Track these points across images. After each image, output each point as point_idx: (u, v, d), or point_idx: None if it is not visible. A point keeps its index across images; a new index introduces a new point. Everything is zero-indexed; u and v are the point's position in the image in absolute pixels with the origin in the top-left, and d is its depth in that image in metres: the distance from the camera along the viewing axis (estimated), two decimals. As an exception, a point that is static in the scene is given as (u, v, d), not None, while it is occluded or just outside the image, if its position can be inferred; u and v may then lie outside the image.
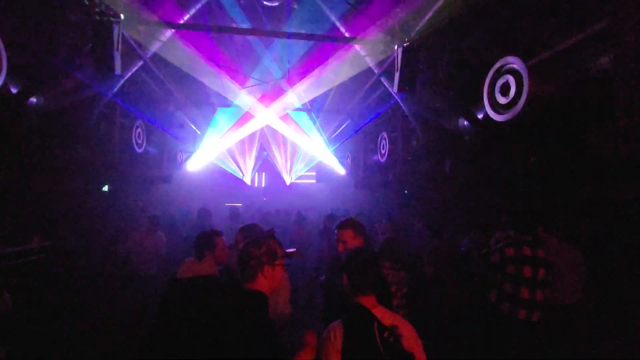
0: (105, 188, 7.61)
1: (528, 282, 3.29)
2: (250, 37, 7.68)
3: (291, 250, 2.12)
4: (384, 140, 9.06)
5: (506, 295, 3.33)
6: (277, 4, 6.35)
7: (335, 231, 2.88)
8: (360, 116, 9.90)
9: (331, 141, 11.87)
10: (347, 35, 6.47)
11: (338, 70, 7.98)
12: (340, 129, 11.31)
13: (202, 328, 1.80)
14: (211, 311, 1.87)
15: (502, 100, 4.44)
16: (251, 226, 3.40)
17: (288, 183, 15.49)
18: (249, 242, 2.00)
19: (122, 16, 5.16)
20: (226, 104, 9.62)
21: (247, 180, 15.07)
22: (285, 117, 10.58)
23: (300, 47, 7.85)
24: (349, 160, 11.84)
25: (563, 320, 3.81)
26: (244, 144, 13.76)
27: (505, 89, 4.39)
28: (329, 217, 6.83)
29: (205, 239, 3.20)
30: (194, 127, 11.00)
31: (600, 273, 3.85)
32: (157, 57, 6.86)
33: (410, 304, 3.54)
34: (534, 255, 3.35)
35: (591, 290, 3.80)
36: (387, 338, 1.84)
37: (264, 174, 16.31)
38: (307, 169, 14.68)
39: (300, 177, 15.56)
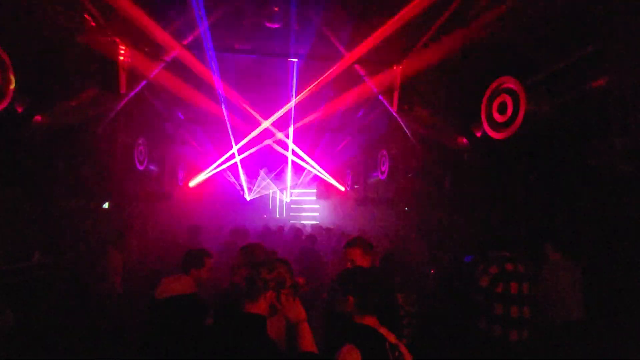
0: (106, 205, 7.63)
1: (515, 300, 3.22)
2: (255, 61, 7.85)
3: (299, 280, 2.10)
4: (384, 158, 9.14)
5: (497, 318, 3.24)
6: (278, 25, 6.50)
7: (344, 250, 2.89)
8: (360, 134, 10.02)
9: (331, 158, 11.96)
10: (347, 55, 6.61)
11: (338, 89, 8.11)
12: (341, 146, 11.42)
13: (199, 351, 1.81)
14: (210, 335, 1.88)
15: (499, 118, 4.53)
16: (253, 246, 3.38)
17: (288, 200, 15.52)
18: (262, 263, 2.00)
19: (128, 37, 5.30)
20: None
21: (247, 197, 15.12)
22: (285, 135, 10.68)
23: (300, 67, 7.99)
24: (349, 177, 11.90)
25: (566, 338, 3.79)
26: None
27: (502, 108, 4.48)
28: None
29: (195, 257, 3.20)
30: (196, 145, 11.10)
31: (602, 289, 3.85)
32: (160, 77, 6.99)
33: (418, 323, 3.53)
34: (516, 270, 3.30)
35: (593, 307, 3.79)
36: (398, 357, 1.86)
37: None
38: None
39: (299, 195, 15.60)
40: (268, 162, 13.61)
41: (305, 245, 6.68)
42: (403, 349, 1.92)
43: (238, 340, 1.80)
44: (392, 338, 1.95)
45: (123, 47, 5.36)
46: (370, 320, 1.98)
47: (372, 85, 7.24)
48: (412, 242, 7.48)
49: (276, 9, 6.08)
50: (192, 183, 11.53)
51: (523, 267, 3.35)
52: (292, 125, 10.00)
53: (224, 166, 11.58)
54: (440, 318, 4.28)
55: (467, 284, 3.67)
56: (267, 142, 10.98)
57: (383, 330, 1.97)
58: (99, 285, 4.69)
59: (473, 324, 3.41)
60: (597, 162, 3.69)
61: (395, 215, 8.94)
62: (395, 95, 6.03)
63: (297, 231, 8.20)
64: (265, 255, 3.01)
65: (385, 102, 7.21)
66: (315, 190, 15.30)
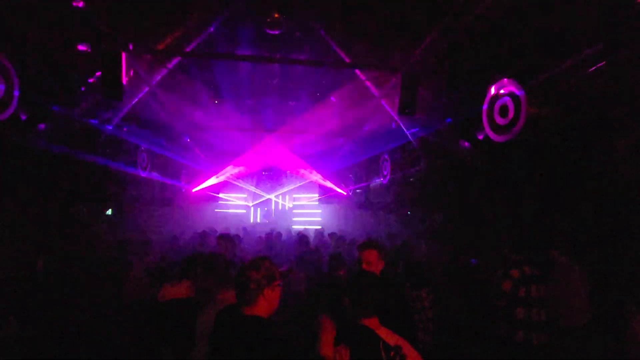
0: (109, 212, 7.66)
1: (535, 303, 3.25)
2: (256, 69, 7.91)
3: (285, 269, 2.14)
4: (385, 162, 9.13)
5: (519, 322, 3.25)
6: (279, 32, 6.54)
7: (359, 252, 2.91)
8: (362, 138, 10.02)
9: (333, 163, 11.97)
10: (348, 61, 6.63)
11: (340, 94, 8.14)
12: (342, 151, 11.43)
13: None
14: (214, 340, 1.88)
15: (501, 121, 4.52)
16: (215, 256, 3.32)
17: (290, 206, 15.52)
18: (246, 266, 1.99)
19: (129, 45, 5.34)
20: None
21: (249, 203, 15.14)
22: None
23: (299, 73, 8.03)
24: (351, 182, 11.90)
25: (572, 342, 3.75)
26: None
27: (503, 111, 4.48)
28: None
29: (190, 263, 3.28)
30: (198, 151, 11.14)
31: (608, 292, 3.82)
32: (162, 83, 7.04)
33: (436, 327, 3.52)
34: (533, 273, 3.34)
35: (598, 311, 3.76)
36: (393, 357, 1.85)
37: (259, 209, 16.10)
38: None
39: (301, 199, 15.59)
40: (271, 167, 13.65)
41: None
42: (407, 351, 1.91)
43: (241, 343, 1.81)
44: (391, 339, 1.95)
45: (126, 54, 5.40)
46: (367, 322, 2.01)
47: (373, 89, 7.27)
48: (417, 246, 7.46)
49: (276, 15, 6.12)
50: (195, 189, 11.56)
51: (538, 270, 3.38)
52: (294, 131, 10.04)
53: (225, 175, 11.62)
54: (456, 322, 4.26)
55: (483, 288, 3.66)
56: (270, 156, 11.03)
57: (382, 331, 1.99)
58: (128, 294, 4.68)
59: (492, 329, 3.40)
60: (600, 164, 3.68)
61: (397, 219, 8.93)
62: (397, 99, 6.03)
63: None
64: (225, 265, 2.97)
65: (386, 106, 7.23)
66: (317, 195, 15.30)
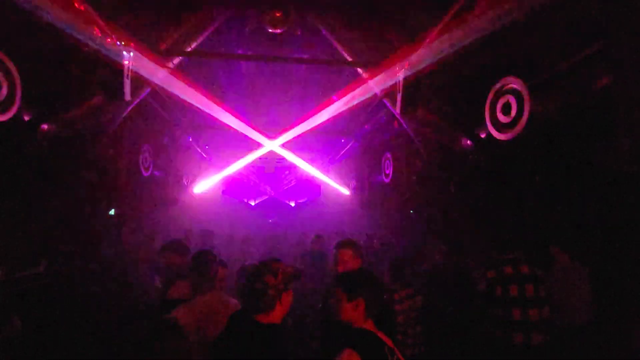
0: (112, 212, 7.67)
1: (517, 302, 3.20)
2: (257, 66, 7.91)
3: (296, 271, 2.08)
4: (388, 161, 9.11)
5: (498, 321, 3.23)
6: (280, 31, 6.53)
7: (334, 251, 2.89)
8: (364, 137, 10.01)
9: (335, 162, 11.95)
10: (349, 59, 6.62)
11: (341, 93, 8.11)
12: (344, 150, 11.41)
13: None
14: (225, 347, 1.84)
15: (503, 119, 4.50)
16: (205, 252, 3.24)
17: (293, 205, 15.53)
18: (261, 271, 1.88)
19: (132, 45, 5.34)
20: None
21: (252, 202, 15.16)
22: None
23: (303, 72, 8.02)
24: (353, 181, 11.88)
25: (573, 341, 3.74)
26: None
27: (506, 109, 4.45)
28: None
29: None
30: (200, 151, 11.15)
31: (609, 291, 3.80)
32: (165, 83, 7.03)
33: (427, 334, 3.51)
34: (517, 272, 3.27)
35: (600, 310, 3.74)
36: None
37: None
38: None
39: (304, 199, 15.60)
40: (272, 167, 13.64)
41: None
42: (398, 354, 1.91)
43: (256, 352, 1.76)
44: (388, 342, 1.94)
45: (128, 55, 5.41)
46: (369, 324, 1.98)
47: (375, 88, 7.24)
48: (419, 246, 7.45)
49: (278, 14, 6.10)
50: (197, 189, 11.56)
51: (528, 268, 3.32)
52: (295, 131, 10.01)
53: (227, 173, 11.61)
54: (446, 322, 4.25)
55: (467, 288, 3.66)
56: (270, 145, 10.98)
57: (380, 334, 1.97)
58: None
59: (475, 328, 3.39)
60: (603, 163, 3.66)
61: (400, 218, 8.91)
62: (399, 97, 6.01)
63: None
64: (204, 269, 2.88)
65: (388, 105, 7.20)
66: (319, 195, 15.30)
